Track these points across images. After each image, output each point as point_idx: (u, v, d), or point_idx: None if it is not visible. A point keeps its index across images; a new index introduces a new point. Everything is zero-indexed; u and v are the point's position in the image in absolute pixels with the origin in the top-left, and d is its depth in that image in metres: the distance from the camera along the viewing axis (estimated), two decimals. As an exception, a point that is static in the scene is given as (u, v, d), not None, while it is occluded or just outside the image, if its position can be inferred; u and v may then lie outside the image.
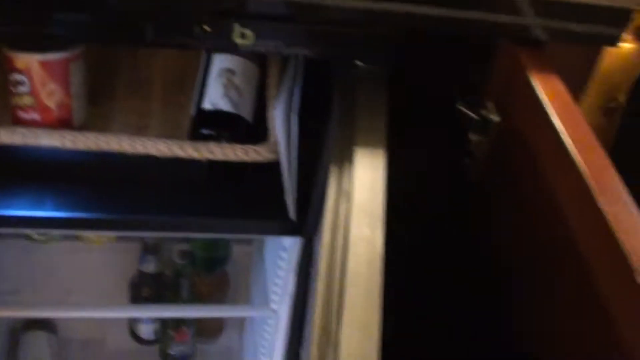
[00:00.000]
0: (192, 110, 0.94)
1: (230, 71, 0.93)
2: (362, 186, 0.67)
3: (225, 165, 0.92)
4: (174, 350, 1.38)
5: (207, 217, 0.94)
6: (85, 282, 1.39)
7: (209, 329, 1.46)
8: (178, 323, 1.34)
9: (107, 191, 0.92)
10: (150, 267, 1.29)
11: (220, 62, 0.94)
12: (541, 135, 0.68)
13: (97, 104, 0.98)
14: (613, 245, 0.55)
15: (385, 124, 0.74)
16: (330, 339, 0.56)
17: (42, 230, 1.09)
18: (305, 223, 0.95)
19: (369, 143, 0.71)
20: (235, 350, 1.55)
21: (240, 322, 1.54)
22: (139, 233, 1.11)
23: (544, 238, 0.69)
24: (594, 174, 0.61)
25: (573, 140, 0.63)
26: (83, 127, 0.91)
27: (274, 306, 1.17)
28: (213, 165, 0.92)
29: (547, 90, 0.69)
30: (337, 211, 0.66)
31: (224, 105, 0.92)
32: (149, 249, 1.28)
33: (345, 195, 0.67)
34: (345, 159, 0.71)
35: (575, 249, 0.62)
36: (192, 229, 0.97)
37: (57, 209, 0.89)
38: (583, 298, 0.62)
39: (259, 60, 0.97)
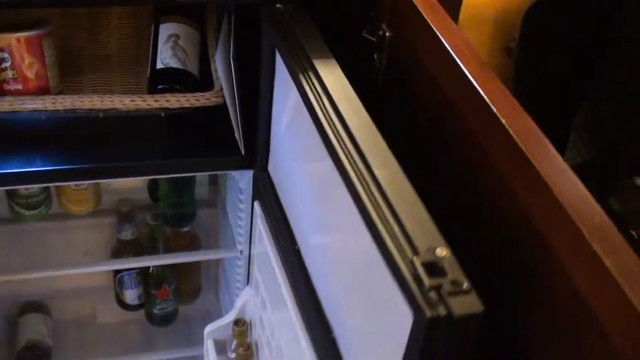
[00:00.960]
0: (148, 72, 1.13)
1: (175, 35, 1.12)
2: (332, 85, 0.80)
3: (180, 115, 1.11)
4: (158, 309, 1.54)
5: (170, 159, 1.13)
6: (71, 259, 1.55)
7: (187, 292, 1.63)
8: (159, 283, 1.50)
9: (84, 147, 1.10)
10: (127, 234, 1.46)
11: (166, 30, 1.13)
12: (421, 37, 0.88)
13: (67, 80, 1.16)
14: (487, 111, 0.74)
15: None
16: (367, 182, 0.70)
17: (34, 186, 1.25)
18: (255, 157, 1.14)
19: (320, 56, 0.86)
20: (213, 312, 1.72)
21: (215, 284, 1.71)
22: (114, 179, 1.28)
23: (435, 113, 0.89)
24: (458, 49, 0.81)
25: (440, 29, 0.83)
26: (59, 95, 1.09)
27: (239, 247, 1.35)
28: (170, 117, 1.11)
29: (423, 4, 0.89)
30: (320, 105, 0.80)
31: (174, 64, 1.10)
32: (124, 218, 1.45)
33: (321, 93, 0.81)
34: (307, 71, 0.84)
35: (456, 115, 0.82)
36: (158, 171, 1.16)
37: (45, 165, 1.07)
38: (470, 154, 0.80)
39: (199, 27, 1.16)
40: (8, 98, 1.03)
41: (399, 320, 0.63)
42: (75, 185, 1.33)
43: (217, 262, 1.66)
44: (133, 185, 1.48)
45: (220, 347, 1.23)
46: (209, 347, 1.22)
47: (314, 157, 0.85)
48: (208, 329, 1.23)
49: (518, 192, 0.69)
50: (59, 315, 1.67)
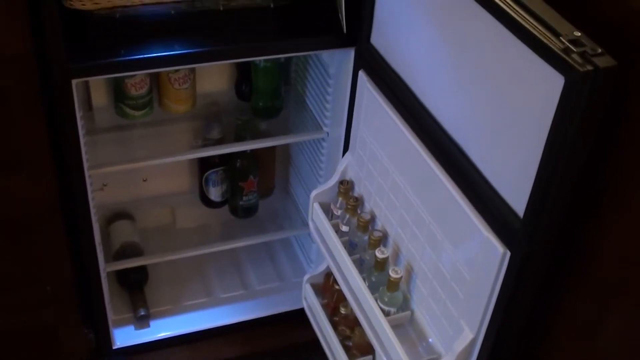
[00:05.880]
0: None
1: None
2: None
3: (287, 5, 1.32)
4: (244, 201, 1.74)
5: (279, 40, 1.34)
6: (159, 168, 1.73)
7: (263, 188, 1.83)
8: (246, 174, 1.69)
9: (210, 35, 1.30)
10: (215, 133, 1.62)
11: None
12: None
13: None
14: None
15: None
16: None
17: (174, 68, 1.45)
18: (361, 32, 1.31)
19: None
20: (282, 207, 1.94)
21: (285, 184, 1.93)
22: (235, 60, 1.45)
23: None
24: None
25: None
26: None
27: (326, 129, 1.56)
28: (278, 8, 1.32)
29: None
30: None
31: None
32: (213, 118, 1.63)
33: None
34: None
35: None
36: (269, 51, 1.35)
37: (181, 49, 1.26)
38: None
39: None
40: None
41: (548, 91, 0.85)
42: (179, 85, 1.52)
43: (290, 163, 1.88)
44: (220, 88, 1.67)
45: (324, 209, 1.44)
46: (316, 209, 1.43)
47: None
48: (314, 193, 1.43)
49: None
50: (141, 223, 1.86)
